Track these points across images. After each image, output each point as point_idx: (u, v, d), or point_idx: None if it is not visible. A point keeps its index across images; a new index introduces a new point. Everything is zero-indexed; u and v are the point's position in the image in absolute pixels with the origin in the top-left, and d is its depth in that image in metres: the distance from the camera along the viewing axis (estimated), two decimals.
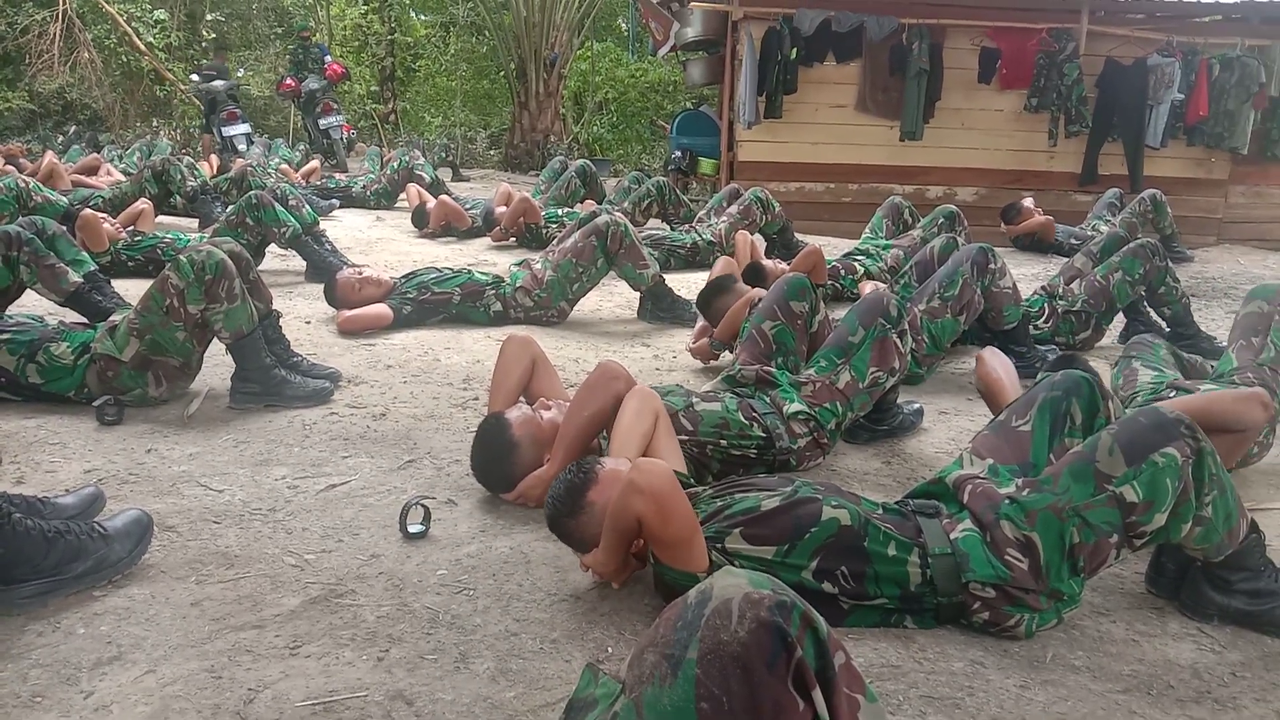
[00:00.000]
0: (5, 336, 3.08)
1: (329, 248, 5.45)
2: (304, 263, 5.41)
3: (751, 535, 1.95)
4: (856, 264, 5.34)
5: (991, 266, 3.74)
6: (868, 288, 4.60)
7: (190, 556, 2.17)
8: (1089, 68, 8.82)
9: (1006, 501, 1.98)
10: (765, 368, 2.96)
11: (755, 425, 2.72)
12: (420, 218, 7.14)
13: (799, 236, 6.75)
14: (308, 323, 4.40)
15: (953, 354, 4.19)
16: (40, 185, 5.60)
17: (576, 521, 2.05)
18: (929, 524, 2.01)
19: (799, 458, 2.79)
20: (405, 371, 3.74)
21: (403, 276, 4.62)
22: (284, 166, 8.96)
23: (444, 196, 7.35)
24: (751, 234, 6.45)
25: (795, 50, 8.57)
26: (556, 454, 2.48)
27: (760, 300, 3.26)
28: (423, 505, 2.37)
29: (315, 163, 8.80)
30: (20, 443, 2.81)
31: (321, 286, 5.02)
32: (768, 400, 2.83)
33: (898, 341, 2.92)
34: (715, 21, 9.22)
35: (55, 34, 14.70)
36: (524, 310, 4.52)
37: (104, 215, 5.19)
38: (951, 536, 1.97)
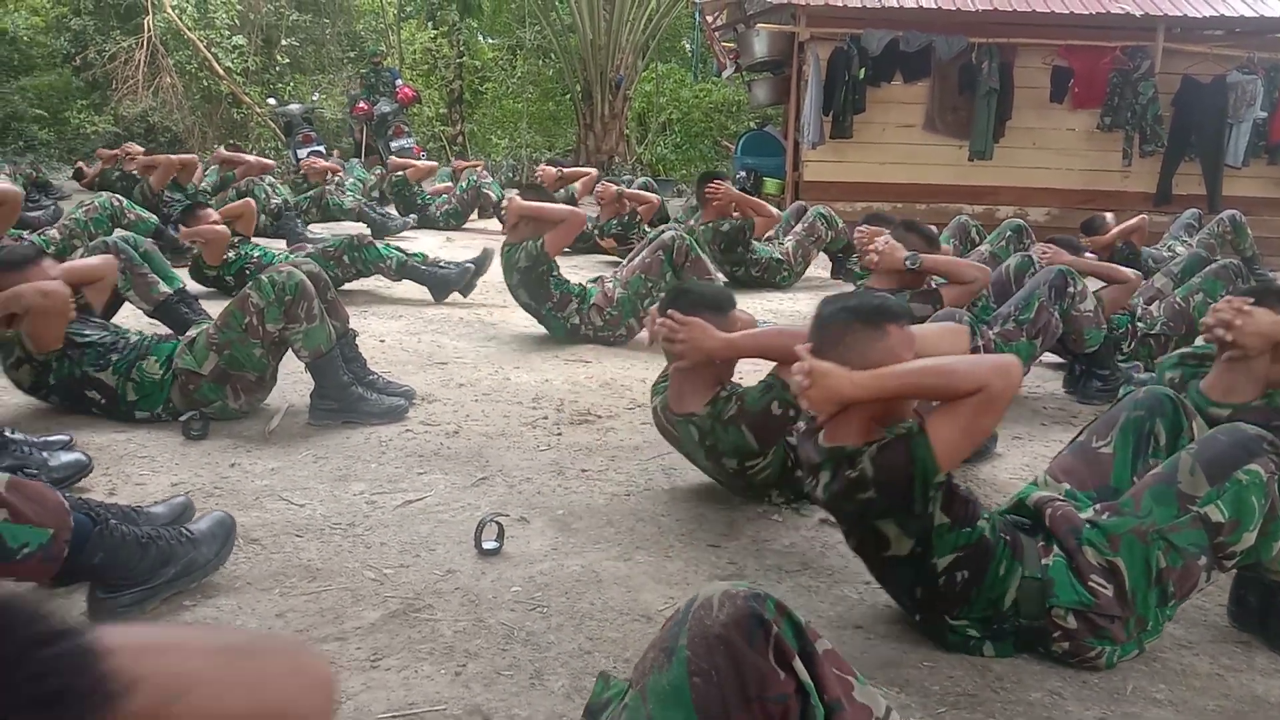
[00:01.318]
0: (115, 357, 3.19)
1: (446, 266, 5.48)
2: (385, 282, 5.52)
3: (945, 499, 1.86)
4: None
5: (1071, 290, 3.68)
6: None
7: (274, 569, 2.24)
8: (1165, 86, 8.64)
9: (1087, 526, 1.94)
10: None
11: None
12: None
13: None
14: (382, 341, 4.50)
15: (1027, 376, 4.13)
16: (133, 204, 5.82)
17: (862, 331, 1.91)
18: (1028, 541, 1.96)
19: None
20: (476, 390, 3.80)
21: None
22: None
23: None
24: (817, 251, 6.46)
25: (863, 70, 8.55)
26: (741, 337, 2.54)
27: None
28: (497, 522, 2.41)
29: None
30: (111, 455, 2.92)
31: (385, 306, 5.19)
32: None
33: None
34: (781, 42, 9.23)
35: (140, 60, 15.26)
36: (593, 328, 4.56)
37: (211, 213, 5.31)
38: (1043, 561, 1.92)
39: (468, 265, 5.38)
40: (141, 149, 8.50)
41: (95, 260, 3.40)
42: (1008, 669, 1.93)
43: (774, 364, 2.59)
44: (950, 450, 1.81)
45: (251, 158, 7.81)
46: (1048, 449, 3.33)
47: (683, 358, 2.56)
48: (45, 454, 2.62)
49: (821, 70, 8.56)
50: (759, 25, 9.26)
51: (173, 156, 7.39)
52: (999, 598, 1.90)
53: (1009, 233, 5.66)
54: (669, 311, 2.57)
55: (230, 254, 5.18)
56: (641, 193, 6.71)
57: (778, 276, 6.24)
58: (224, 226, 5.12)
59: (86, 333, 3.22)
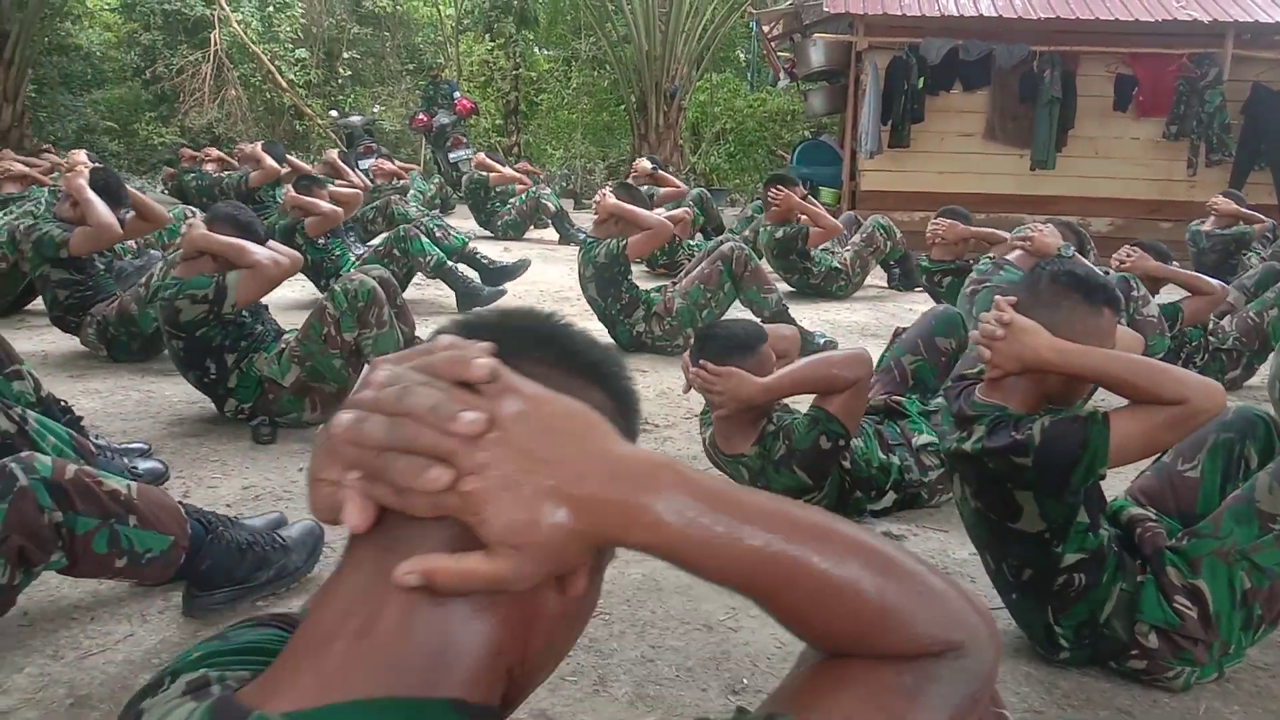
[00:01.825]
0: (244, 343, 3.26)
1: (485, 261, 5.62)
2: (451, 291, 5.63)
3: (1088, 496, 1.84)
4: None
5: (1134, 294, 3.62)
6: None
7: None
8: (1233, 93, 8.45)
9: (1169, 551, 1.90)
10: (895, 397, 2.93)
11: (891, 455, 2.71)
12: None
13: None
14: None
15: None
16: None
17: (1076, 304, 1.87)
18: (1128, 560, 1.92)
19: (930, 491, 2.75)
20: None
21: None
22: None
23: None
24: (875, 261, 6.42)
25: (922, 79, 8.50)
26: (780, 376, 2.52)
27: (904, 331, 3.20)
28: None
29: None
30: (185, 459, 3.01)
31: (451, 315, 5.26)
32: (898, 430, 2.81)
33: None
34: (838, 52, 9.21)
35: (206, 74, 15.68)
36: (653, 337, 4.58)
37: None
38: (1138, 579, 1.89)
39: (501, 289, 5.50)
40: (221, 154, 8.76)
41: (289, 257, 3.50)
42: (1075, 686, 1.91)
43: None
44: (1126, 450, 1.74)
45: (354, 175, 7.98)
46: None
47: (722, 407, 2.55)
48: (126, 460, 2.70)
49: (880, 79, 8.52)
50: (816, 35, 9.24)
51: (288, 165, 7.59)
52: (1099, 606, 1.86)
53: None
54: (701, 362, 2.53)
55: (322, 239, 5.31)
56: (672, 213, 6.69)
57: (834, 286, 6.21)
58: (340, 209, 5.28)
59: (244, 314, 3.29)
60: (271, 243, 3.35)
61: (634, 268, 6.75)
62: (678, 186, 7.68)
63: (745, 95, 17.72)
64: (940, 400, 2.86)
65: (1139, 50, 8.51)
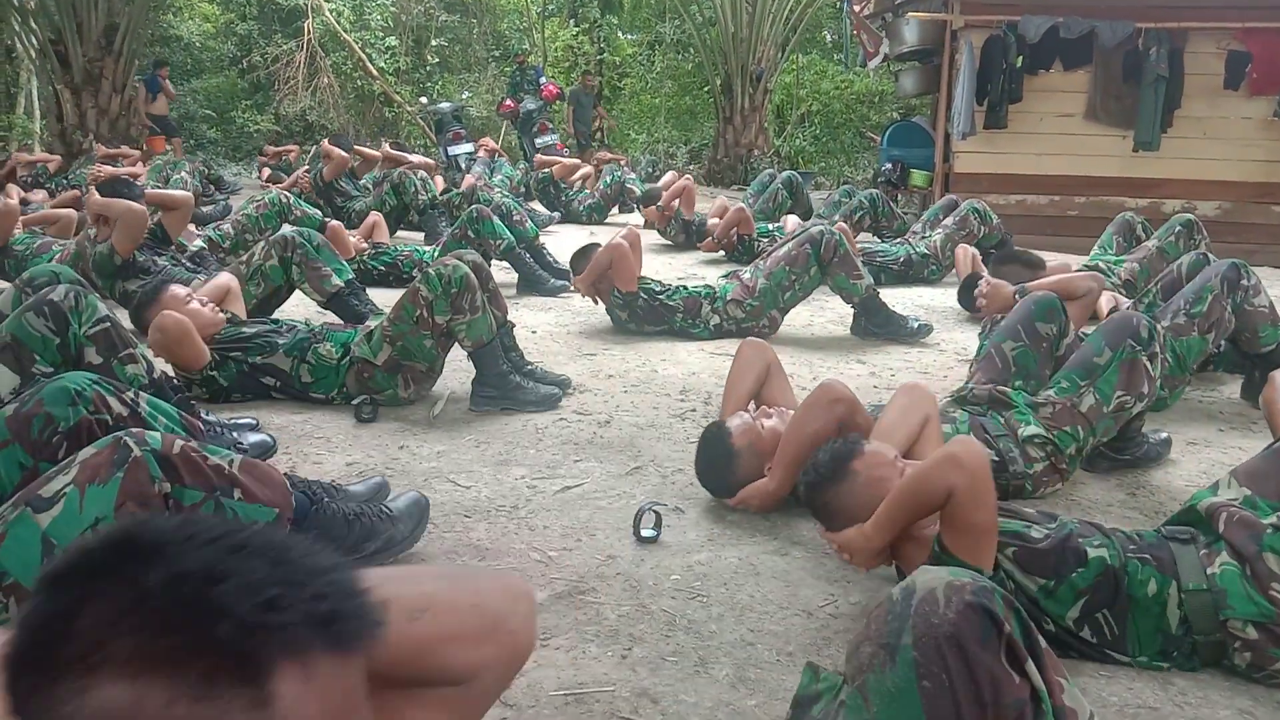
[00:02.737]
0: (284, 341, 3.39)
1: (549, 259, 5.69)
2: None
3: (1023, 560, 1.88)
4: None
5: (1244, 283, 3.46)
6: (1105, 301, 4.34)
7: (447, 547, 2.34)
8: None
9: (1270, 531, 1.82)
10: (1000, 387, 2.86)
11: (988, 447, 2.64)
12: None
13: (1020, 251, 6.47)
14: (534, 332, 4.62)
15: (1203, 380, 3.91)
16: (300, 200, 6.13)
17: (837, 490, 1.99)
18: (1184, 552, 1.86)
19: (1035, 483, 2.68)
20: (625, 381, 3.86)
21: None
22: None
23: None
24: (970, 246, 6.27)
25: (1020, 58, 8.26)
26: (776, 471, 2.49)
27: (1002, 318, 3.13)
28: (655, 511, 2.44)
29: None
30: (291, 435, 3.10)
31: (536, 298, 5.37)
32: (1001, 422, 2.74)
33: (1148, 364, 2.75)
34: (932, 31, 8.99)
35: (300, 62, 16.09)
36: (735, 322, 4.54)
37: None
38: (1209, 571, 1.82)
39: (564, 283, 5.49)
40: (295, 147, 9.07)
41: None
42: (1191, 683, 1.84)
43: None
44: (976, 546, 1.78)
45: (415, 157, 8.16)
46: (1225, 455, 3.15)
47: (758, 509, 2.61)
48: (235, 435, 2.79)
49: (975, 58, 8.31)
50: (909, 14, 9.04)
51: (352, 153, 7.79)
52: (1160, 617, 1.82)
53: (1178, 228, 5.37)
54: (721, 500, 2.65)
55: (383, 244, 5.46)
56: (728, 218, 6.53)
57: (925, 271, 6.10)
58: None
59: (244, 330, 3.42)
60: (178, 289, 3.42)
61: (717, 264, 6.74)
62: (683, 187, 7.43)
63: (832, 77, 17.48)
64: (1049, 392, 2.77)
65: (1254, 25, 8.12)
